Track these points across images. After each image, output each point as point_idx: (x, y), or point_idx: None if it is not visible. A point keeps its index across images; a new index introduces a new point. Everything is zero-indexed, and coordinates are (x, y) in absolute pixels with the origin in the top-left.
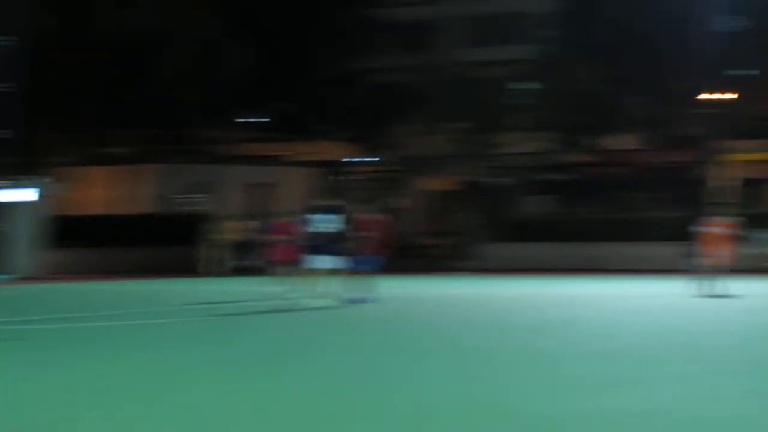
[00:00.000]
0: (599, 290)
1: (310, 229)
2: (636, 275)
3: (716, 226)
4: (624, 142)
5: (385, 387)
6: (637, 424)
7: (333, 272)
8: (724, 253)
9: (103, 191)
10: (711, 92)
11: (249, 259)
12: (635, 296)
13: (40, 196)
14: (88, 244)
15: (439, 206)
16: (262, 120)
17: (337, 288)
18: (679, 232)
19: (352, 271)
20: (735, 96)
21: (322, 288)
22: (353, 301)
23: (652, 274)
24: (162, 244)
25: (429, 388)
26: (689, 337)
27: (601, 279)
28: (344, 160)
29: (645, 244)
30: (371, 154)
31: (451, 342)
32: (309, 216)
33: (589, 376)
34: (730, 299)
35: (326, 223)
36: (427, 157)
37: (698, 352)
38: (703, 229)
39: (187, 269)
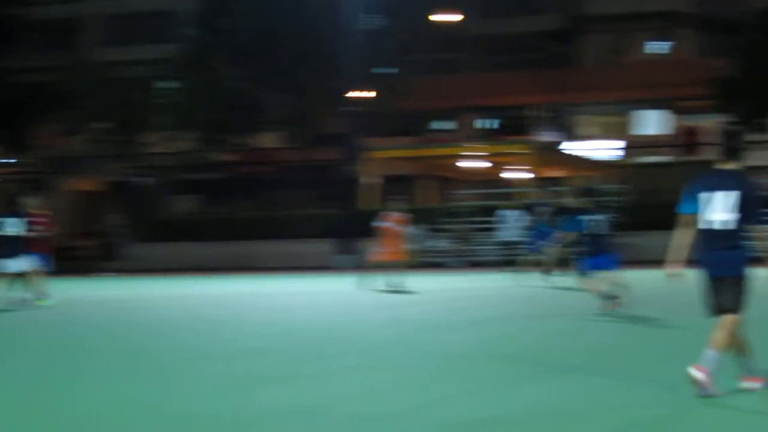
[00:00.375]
0: (252, 288)
1: None
2: (289, 273)
3: (392, 222)
4: (271, 140)
5: (51, 389)
6: (295, 419)
7: (17, 275)
8: (399, 248)
9: None
10: (354, 90)
11: None
12: (289, 293)
13: None
14: None
15: (85, 207)
16: None
17: (6, 291)
18: (330, 230)
19: (22, 273)
20: (378, 94)
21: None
22: (14, 304)
23: (305, 272)
24: None
25: (93, 390)
26: (350, 333)
27: (253, 277)
28: None
29: (296, 242)
30: (13, 155)
31: (112, 342)
32: None
33: (246, 373)
34: (396, 294)
35: (10, 227)
36: (71, 157)
37: (356, 347)
38: (382, 224)
39: None
